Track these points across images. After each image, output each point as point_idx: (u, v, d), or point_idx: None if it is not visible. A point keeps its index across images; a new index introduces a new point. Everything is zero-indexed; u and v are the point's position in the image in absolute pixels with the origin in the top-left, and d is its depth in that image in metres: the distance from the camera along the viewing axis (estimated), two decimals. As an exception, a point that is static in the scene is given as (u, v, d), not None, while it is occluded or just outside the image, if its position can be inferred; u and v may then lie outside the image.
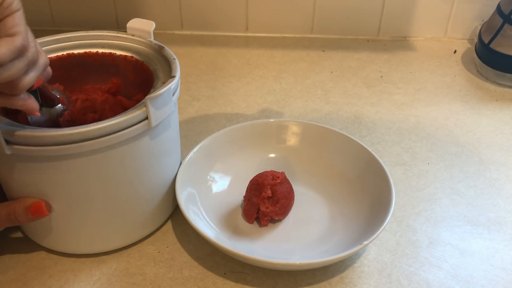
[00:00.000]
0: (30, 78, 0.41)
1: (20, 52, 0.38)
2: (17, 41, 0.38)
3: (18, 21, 0.38)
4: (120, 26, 0.94)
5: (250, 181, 0.57)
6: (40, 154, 0.44)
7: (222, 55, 0.90)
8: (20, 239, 0.55)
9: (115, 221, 0.52)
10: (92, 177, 0.48)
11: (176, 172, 0.56)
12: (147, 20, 0.57)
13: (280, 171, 0.57)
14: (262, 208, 0.55)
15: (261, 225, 0.56)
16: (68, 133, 0.43)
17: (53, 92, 0.51)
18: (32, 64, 0.41)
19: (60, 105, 0.52)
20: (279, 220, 0.57)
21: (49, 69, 0.47)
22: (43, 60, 0.43)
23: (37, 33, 0.56)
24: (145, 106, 0.46)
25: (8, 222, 0.49)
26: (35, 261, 0.53)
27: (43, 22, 0.95)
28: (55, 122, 0.52)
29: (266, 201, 0.54)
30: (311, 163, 0.63)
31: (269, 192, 0.54)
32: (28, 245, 0.55)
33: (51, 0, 0.93)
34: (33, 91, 0.45)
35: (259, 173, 0.57)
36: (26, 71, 0.40)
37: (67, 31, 0.57)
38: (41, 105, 0.48)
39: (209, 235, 0.50)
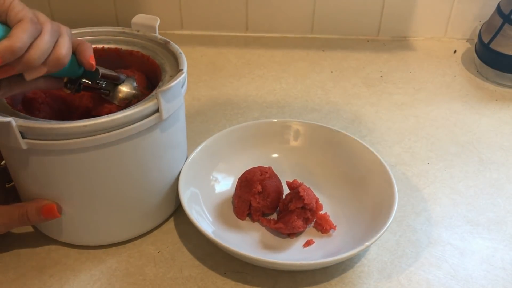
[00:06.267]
0: (65, 45, 0.43)
1: (35, 30, 0.40)
2: (26, 22, 0.40)
3: (18, 8, 0.40)
4: (120, 26, 0.94)
5: (239, 179, 0.57)
6: (55, 148, 0.45)
7: (222, 55, 0.90)
8: (20, 239, 0.55)
9: (121, 214, 0.52)
10: (104, 170, 0.48)
11: (182, 165, 0.57)
12: (152, 16, 0.57)
13: (268, 166, 0.57)
14: (254, 204, 0.55)
15: (253, 220, 0.57)
16: (82, 125, 0.44)
17: (110, 71, 0.52)
18: (56, 34, 0.43)
19: (125, 76, 0.53)
20: (270, 214, 0.57)
21: (90, 45, 0.48)
22: (65, 29, 0.45)
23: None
24: (156, 99, 0.47)
25: (21, 223, 0.50)
26: (35, 261, 0.53)
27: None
28: (134, 95, 0.53)
29: (257, 196, 0.55)
30: (314, 163, 0.63)
31: (259, 188, 0.55)
32: (29, 245, 0.55)
33: (51, 0, 0.93)
34: (94, 72, 0.48)
35: (247, 170, 0.57)
36: (57, 42, 0.43)
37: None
38: (109, 87, 0.51)
39: (213, 235, 0.50)
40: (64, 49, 0.43)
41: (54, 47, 0.42)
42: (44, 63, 0.42)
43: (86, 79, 0.49)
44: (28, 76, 0.42)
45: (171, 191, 0.56)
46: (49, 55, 0.42)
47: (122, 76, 0.53)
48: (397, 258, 0.54)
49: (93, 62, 0.47)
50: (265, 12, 0.93)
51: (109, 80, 0.51)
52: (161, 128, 0.50)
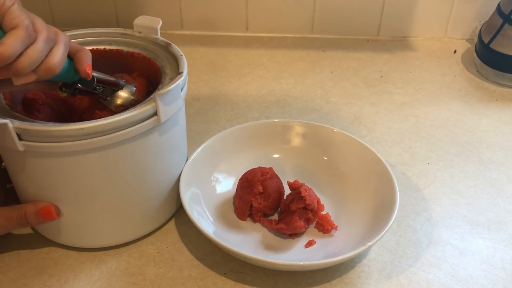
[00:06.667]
0: (58, 55, 0.43)
1: (29, 38, 0.40)
2: (20, 30, 0.39)
3: (15, 14, 0.40)
4: (120, 27, 0.94)
5: (240, 180, 0.57)
6: (52, 150, 0.45)
7: (222, 55, 0.90)
8: (20, 240, 0.55)
9: (121, 216, 0.52)
10: (102, 173, 0.48)
11: (182, 168, 0.56)
12: (154, 17, 0.57)
13: (269, 167, 0.57)
14: (255, 204, 0.55)
15: (254, 221, 0.57)
16: (79, 128, 0.44)
17: (110, 77, 0.52)
18: (51, 43, 0.42)
19: (124, 82, 0.53)
20: (272, 214, 0.57)
21: (89, 53, 0.48)
22: (62, 37, 0.44)
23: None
24: (154, 102, 0.47)
25: (19, 224, 0.50)
26: (35, 261, 0.53)
27: (43, 22, 0.95)
28: (132, 101, 0.53)
29: (258, 197, 0.55)
30: (315, 164, 0.63)
31: (260, 188, 0.55)
32: (29, 245, 0.55)
33: (51, 0, 0.93)
34: (90, 80, 0.48)
35: (248, 171, 0.57)
36: (50, 50, 0.42)
37: (67, 31, 0.57)
38: (107, 92, 0.51)
39: (214, 235, 0.50)
40: (56, 59, 0.42)
41: (47, 55, 0.42)
42: (34, 70, 0.41)
43: (82, 85, 0.49)
44: (16, 82, 0.42)
45: (171, 194, 0.55)
46: (41, 63, 0.42)
47: (122, 82, 0.53)
48: (397, 258, 0.54)
49: (89, 71, 0.46)
50: (265, 12, 0.93)
51: (108, 86, 0.51)
52: (159, 132, 0.49)
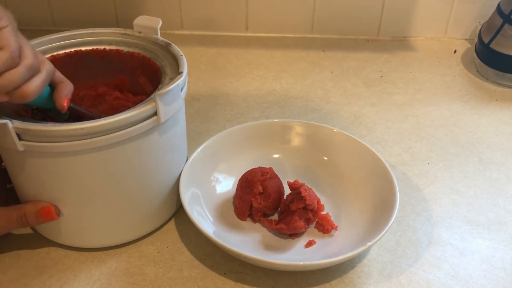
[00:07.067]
0: (35, 84, 0.43)
1: (11, 62, 0.40)
2: (4, 52, 0.40)
3: (4, 36, 0.40)
4: (120, 27, 0.94)
5: (240, 180, 0.57)
6: (52, 150, 0.45)
7: (222, 55, 0.90)
8: (20, 240, 0.55)
9: (121, 216, 0.52)
10: (102, 173, 0.48)
11: (182, 168, 0.56)
12: (154, 17, 0.57)
13: (269, 167, 0.57)
14: (255, 204, 0.55)
15: (254, 221, 0.57)
16: (79, 128, 0.44)
17: (85, 111, 0.52)
18: (33, 71, 0.43)
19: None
20: (271, 214, 0.58)
21: (71, 87, 0.48)
22: (46, 67, 0.45)
23: (37, 33, 0.56)
24: (154, 102, 0.47)
25: (19, 224, 0.50)
26: (35, 261, 0.53)
27: (42, 21, 0.95)
28: None
29: (258, 197, 0.55)
30: (315, 164, 0.63)
31: (260, 188, 0.55)
32: (29, 245, 0.55)
33: (51, 0, 0.93)
34: (63, 114, 0.48)
35: (248, 171, 0.57)
36: (30, 78, 0.42)
37: (67, 31, 0.57)
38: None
39: (214, 235, 0.50)
40: (31, 87, 0.42)
41: (25, 82, 0.42)
42: (8, 93, 0.42)
43: (53, 115, 0.49)
44: None
45: (171, 194, 0.55)
46: (17, 87, 0.42)
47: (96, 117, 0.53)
48: (397, 258, 0.54)
49: (65, 104, 0.47)
50: (265, 12, 0.93)
51: (82, 119, 0.51)
52: (159, 132, 0.49)
